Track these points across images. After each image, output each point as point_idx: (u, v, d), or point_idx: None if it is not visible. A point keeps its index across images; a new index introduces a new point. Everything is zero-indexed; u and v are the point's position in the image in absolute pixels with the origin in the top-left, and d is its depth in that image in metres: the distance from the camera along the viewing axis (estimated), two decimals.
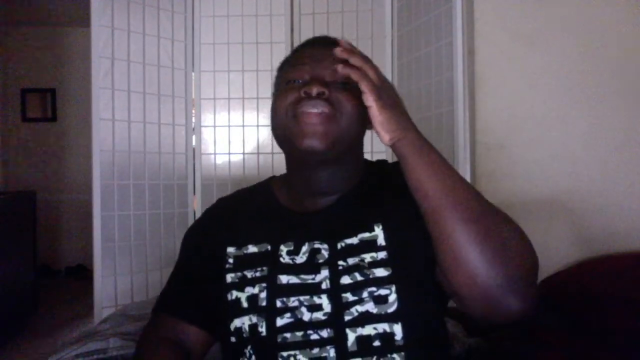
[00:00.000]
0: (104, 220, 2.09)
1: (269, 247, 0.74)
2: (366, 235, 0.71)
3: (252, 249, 0.75)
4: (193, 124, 2.39)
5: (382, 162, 0.86)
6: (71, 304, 3.06)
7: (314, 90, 0.68)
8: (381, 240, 0.71)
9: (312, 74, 0.72)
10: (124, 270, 2.13)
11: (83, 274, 3.73)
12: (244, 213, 0.82)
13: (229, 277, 0.74)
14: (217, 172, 2.37)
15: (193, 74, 2.37)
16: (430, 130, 1.88)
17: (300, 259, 0.72)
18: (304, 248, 0.72)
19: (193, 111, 2.39)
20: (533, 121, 1.53)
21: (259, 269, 0.72)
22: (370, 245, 0.70)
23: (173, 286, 0.83)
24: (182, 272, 0.83)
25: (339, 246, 0.71)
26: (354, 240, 0.71)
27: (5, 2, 3.45)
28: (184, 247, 0.85)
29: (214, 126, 2.39)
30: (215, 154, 2.40)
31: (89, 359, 0.93)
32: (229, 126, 2.39)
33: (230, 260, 0.76)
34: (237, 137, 2.38)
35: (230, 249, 0.77)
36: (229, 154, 2.40)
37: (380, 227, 0.72)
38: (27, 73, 3.96)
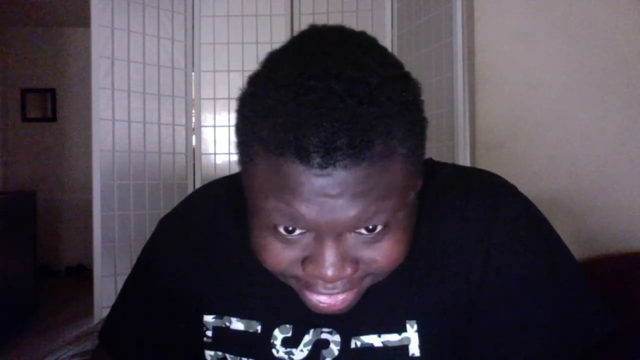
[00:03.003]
0: (104, 220, 2.09)
1: (259, 329, 0.54)
2: (394, 338, 0.50)
3: (236, 324, 0.55)
4: (193, 124, 2.39)
5: (455, 194, 0.51)
6: (71, 304, 3.06)
7: (337, 284, 0.44)
8: (414, 349, 0.49)
9: (317, 229, 0.41)
10: (124, 270, 2.13)
11: (83, 274, 3.73)
12: (222, 260, 0.57)
13: (208, 356, 0.57)
14: (217, 172, 2.37)
15: (193, 74, 2.37)
16: (430, 130, 1.88)
17: (300, 353, 0.52)
18: (307, 337, 0.53)
19: (193, 111, 2.39)
20: (533, 121, 1.53)
21: (245, 359, 0.55)
22: (397, 355, 0.49)
23: (131, 326, 0.60)
24: (145, 311, 0.60)
25: (353, 344, 0.51)
26: (375, 341, 0.50)
27: (5, 2, 3.45)
28: (153, 277, 0.61)
29: (214, 126, 2.39)
30: (215, 154, 2.39)
31: (86, 359, 0.93)
32: (229, 126, 2.38)
33: (209, 333, 0.57)
34: None
35: (208, 318, 0.57)
36: (229, 154, 2.39)
37: (416, 326, 0.49)
38: (27, 73, 3.96)
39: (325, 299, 0.45)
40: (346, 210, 0.38)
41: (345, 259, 0.42)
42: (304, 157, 0.37)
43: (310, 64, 0.39)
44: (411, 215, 0.45)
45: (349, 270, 0.42)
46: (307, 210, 0.39)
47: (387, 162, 0.39)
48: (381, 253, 0.43)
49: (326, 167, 0.37)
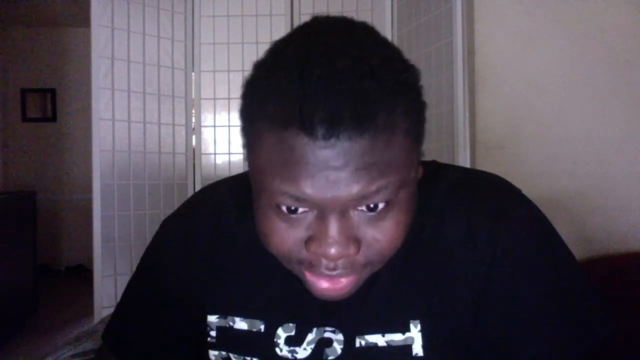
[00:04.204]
0: (104, 220, 2.09)
1: (263, 328, 0.55)
2: (397, 337, 0.50)
3: (240, 323, 0.56)
4: (193, 124, 2.40)
5: (456, 192, 0.53)
6: (71, 304, 3.06)
7: (339, 264, 0.44)
8: (418, 349, 0.49)
9: (321, 205, 0.41)
10: (124, 270, 2.13)
11: (83, 274, 3.73)
12: (224, 260, 0.58)
13: (212, 355, 0.57)
14: (217, 172, 2.37)
15: (193, 74, 2.37)
16: (430, 130, 1.88)
17: (304, 351, 0.53)
18: (310, 336, 0.53)
19: (193, 111, 2.39)
20: (533, 121, 1.53)
21: (249, 358, 0.55)
22: (401, 354, 0.50)
23: (135, 327, 0.61)
24: (148, 312, 0.60)
25: (357, 343, 0.51)
26: (379, 340, 0.51)
27: (5, 2, 3.45)
28: (156, 278, 0.61)
29: (214, 126, 2.39)
30: (215, 154, 2.40)
31: (86, 359, 0.93)
32: (229, 126, 2.39)
33: (213, 333, 0.57)
34: (237, 137, 2.38)
35: (212, 318, 0.57)
36: (229, 154, 2.40)
37: (419, 326, 0.50)
38: (27, 73, 3.96)
39: (325, 283, 0.45)
40: (349, 185, 0.39)
41: (349, 237, 0.42)
42: (308, 129, 0.37)
43: (314, 45, 0.41)
44: (412, 198, 0.45)
45: (351, 249, 0.42)
46: (310, 186, 0.39)
47: (390, 135, 0.39)
48: (383, 232, 0.43)
49: (330, 139, 0.37)
